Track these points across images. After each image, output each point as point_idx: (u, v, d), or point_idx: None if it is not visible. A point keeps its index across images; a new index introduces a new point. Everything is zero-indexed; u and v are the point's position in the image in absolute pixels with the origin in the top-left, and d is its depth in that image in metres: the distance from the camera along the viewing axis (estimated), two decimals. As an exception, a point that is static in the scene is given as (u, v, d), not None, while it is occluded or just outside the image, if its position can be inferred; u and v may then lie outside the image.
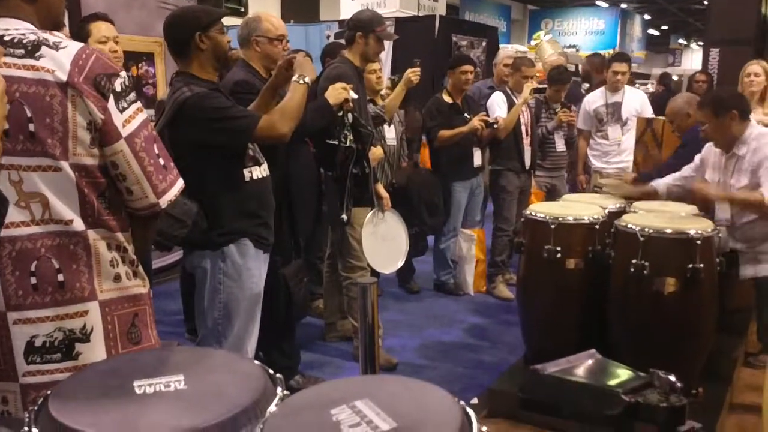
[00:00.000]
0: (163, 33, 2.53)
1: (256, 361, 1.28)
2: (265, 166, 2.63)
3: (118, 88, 1.55)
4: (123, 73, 1.58)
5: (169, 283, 4.75)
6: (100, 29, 3.27)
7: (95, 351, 1.58)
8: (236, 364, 1.26)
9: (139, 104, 1.61)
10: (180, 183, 1.69)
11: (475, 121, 4.66)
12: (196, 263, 2.56)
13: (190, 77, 2.45)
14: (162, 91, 4.96)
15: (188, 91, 2.37)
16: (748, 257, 3.20)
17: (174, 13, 2.61)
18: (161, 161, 1.63)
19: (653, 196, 3.56)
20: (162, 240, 2.39)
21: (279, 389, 1.17)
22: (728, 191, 3.22)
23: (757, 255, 3.18)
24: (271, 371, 1.23)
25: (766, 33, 6.73)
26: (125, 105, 1.56)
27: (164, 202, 1.63)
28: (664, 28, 30.18)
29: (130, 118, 1.57)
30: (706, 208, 3.35)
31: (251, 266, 2.55)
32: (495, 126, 4.75)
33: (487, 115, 4.86)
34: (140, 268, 1.70)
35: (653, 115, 5.12)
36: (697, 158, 3.48)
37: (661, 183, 3.60)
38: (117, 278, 1.62)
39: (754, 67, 4.68)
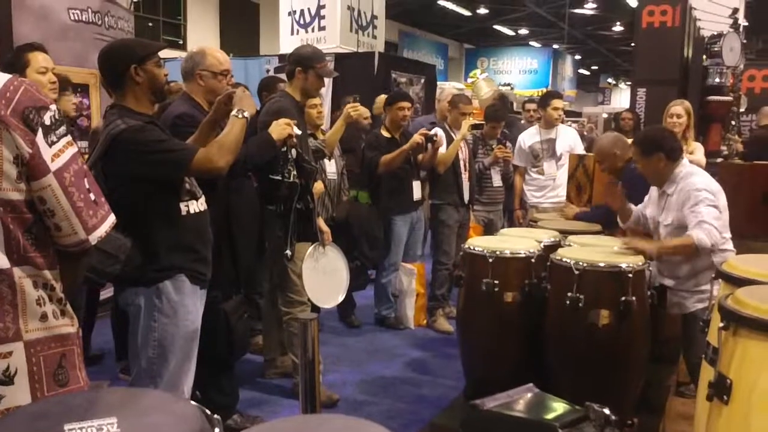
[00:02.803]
0: (98, 65, 2.48)
1: (192, 402, 1.24)
2: (202, 200, 2.59)
3: (47, 122, 1.50)
4: (53, 106, 1.54)
5: (102, 319, 4.58)
6: (38, 59, 3.21)
7: (19, 394, 1.50)
8: (171, 405, 1.22)
9: (69, 138, 1.56)
10: (111, 218, 1.64)
11: (416, 137, 4.72)
12: (129, 300, 2.48)
13: (125, 110, 2.40)
14: (96, 123, 4.85)
15: (122, 124, 2.32)
16: (674, 294, 3.29)
17: (109, 45, 2.57)
18: (92, 196, 1.58)
19: (626, 216, 3.60)
20: (94, 276, 2.30)
21: (216, 430, 1.14)
22: (662, 241, 3.27)
23: (683, 292, 3.27)
24: (207, 412, 1.19)
25: (688, 73, 7.06)
26: (54, 139, 1.51)
27: (94, 238, 1.58)
28: (594, 67, 31.50)
29: (60, 152, 1.52)
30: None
31: (187, 303, 2.49)
32: (434, 138, 4.79)
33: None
34: (68, 307, 1.63)
35: (584, 152, 5.30)
36: (647, 197, 3.58)
37: (634, 208, 3.61)
38: (44, 317, 1.55)
39: (677, 108, 4.90)
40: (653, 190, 3.49)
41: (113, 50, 2.49)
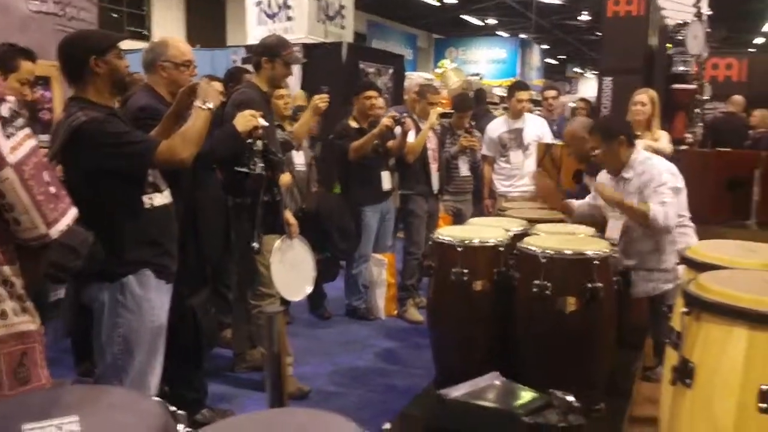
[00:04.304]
0: (57, 57, 2.43)
1: (156, 398, 1.23)
2: (167, 192, 2.55)
3: (5, 113, 1.47)
4: (11, 98, 1.50)
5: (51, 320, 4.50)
6: (27, 69, 3.19)
7: (-22, 393, 1.47)
8: (135, 403, 1.20)
9: (28, 130, 1.53)
10: (73, 212, 1.61)
11: (385, 120, 4.71)
12: (93, 296, 2.44)
13: (85, 102, 2.36)
14: (58, 116, 4.74)
15: (83, 116, 2.28)
16: (640, 275, 3.37)
17: (69, 36, 2.52)
18: (52, 189, 1.55)
19: (569, 211, 3.81)
20: (55, 272, 2.26)
21: (181, 426, 1.13)
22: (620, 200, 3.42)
23: (648, 273, 3.35)
24: (172, 408, 1.18)
25: (653, 62, 7.16)
26: (13, 131, 1.48)
27: (55, 232, 1.55)
28: (562, 57, 31.74)
29: (18, 145, 1.49)
30: (603, 229, 3.51)
31: (152, 297, 2.45)
32: (403, 122, 4.77)
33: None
34: (29, 303, 1.60)
35: (552, 141, 5.34)
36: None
37: (575, 202, 3.84)
38: (3, 315, 1.52)
39: (641, 96, 4.96)
40: (603, 178, 3.57)
41: (73, 41, 2.44)
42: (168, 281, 2.56)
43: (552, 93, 6.78)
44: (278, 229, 3.58)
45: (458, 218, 5.50)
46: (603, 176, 3.59)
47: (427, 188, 5.12)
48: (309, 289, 3.86)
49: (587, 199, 3.78)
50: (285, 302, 3.74)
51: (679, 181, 3.30)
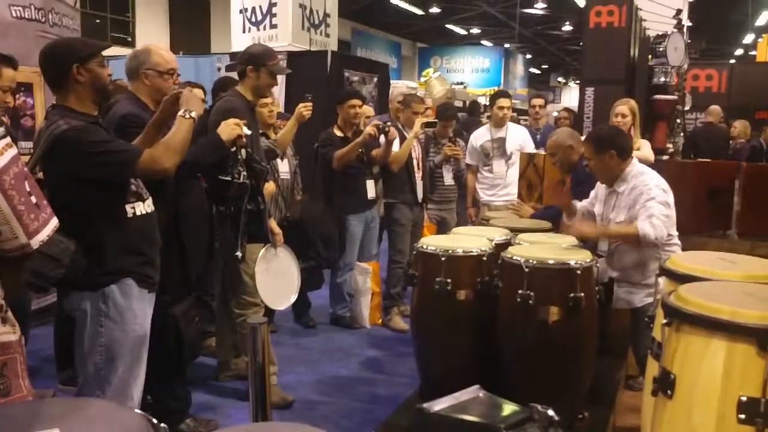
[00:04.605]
0: (39, 64, 2.41)
1: (137, 410, 1.22)
2: (149, 201, 2.54)
3: (-16, 123, 1.45)
4: (-9, 107, 1.49)
5: (48, 325, 4.45)
6: (7, 77, 3.17)
7: (-43, 406, 1.45)
8: (116, 415, 1.20)
9: (8, 140, 1.51)
10: (54, 222, 1.60)
11: (369, 128, 4.71)
12: (75, 305, 2.42)
13: (67, 110, 2.34)
14: (41, 123, 4.70)
15: (64, 125, 2.26)
16: (623, 288, 3.38)
17: (51, 43, 2.51)
18: (33, 199, 1.54)
19: (573, 212, 3.70)
20: (37, 281, 2.24)
21: (163, 438, 1.12)
22: (606, 226, 3.40)
23: (631, 286, 3.36)
24: (154, 421, 1.17)
25: (635, 72, 7.23)
26: (-7, 140, 1.47)
27: (36, 242, 1.54)
28: (545, 67, 32.02)
29: (-2, 154, 1.47)
30: (585, 239, 3.53)
31: (135, 307, 2.44)
32: (387, 130, 4.78)
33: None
34: (9, 314, 1.59)
35: (534, 150, 5.38)
36: (593, 192, 3.66)
37: (579, 203, 3.73)
38: (-17, 326, 1.50)
39: (622, 108, 5.00)
40: (600, 188, 3.57)
41: (55, 49, 2.43)
42: (150, 290, 2.54)
43: (539, 101, 6.82)
44: (262, 238, 3.57)
45: (442, 227, 5.51)
46: (599, 188, 3.59)
47: (411, 197, 5.13)
48: (293, 298, 3.85)
49: (585, 203, 3.74)
50: (269, 311, 3.72)
51: (669, 198, 3.26)
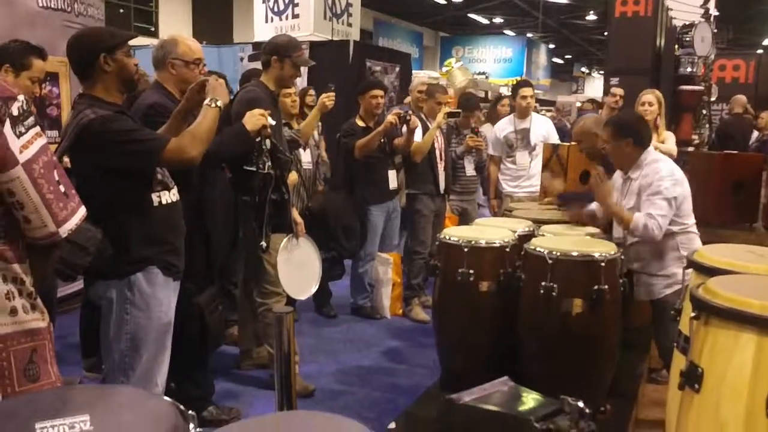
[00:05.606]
0: (66, 53, 2.43)
1: (166, 398, 1.23)
2: (174, 190, 2.56)
3: (15, 112, 1.47)
4: (21, 97, 1.50)
5: (71, 313, 4.52)
6: (38, 68, 3.18)
7: (-12, 390, 1.48)
8: (145, 402, 1.21)
9: (38, 129, 1.53)
10: (82, 211, 1.62)
11: (390, 117, 4.70)
12: (101, 293, 2.45)
13: (94, 99, 2.36)
14: (66, 112, 4.75)
15: (92, 114, 2.28)
16: (642, 279, 3.34)
17: (78, 33, 2.52)
18: (62, 188, 1.55)
19: (596, 218, 3.63)
20: (64, 269, 2.27)
21: (191, 426, 1.13)
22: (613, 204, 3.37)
23: (649, 277, 3.32)
24: (182, 407, 1.18)
25: (661, 63, 7.13)
26: (23, 130, 1.49)
27: (64, 231, 1.56)
28: (568, 56, 31.67)
29: (28, 144, 1.49)
30: (609, 230, 3.50)
31: (160, 295, 2.46)
32: (408, 119, 4.76)
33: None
34: (38, 301, 1.61)
35: (558, 141, 5.33)
36: (611, 180, 3.63)
37: (594, 207, 3.66)
38: (13, 312, 1.53)
39: (648, 96, 4.95)
40: (617, 176, 3.53)
41: (82, 38, 2.44)
42: (175, 279, 2.56)
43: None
44: (285, 228, 3.58)
45: (464, 218, 5.50)
46: (616, 176, 3.55)
47: (433, 188, 5.12)
48: (314, 288, 3.86)
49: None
50: (291, 300, 3.74)
51: (679, 189, 3.20)
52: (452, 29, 25.48)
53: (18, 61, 3.09)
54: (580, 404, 1.95)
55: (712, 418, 1.67)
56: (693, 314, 1.78)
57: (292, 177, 4.10)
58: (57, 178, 1.55)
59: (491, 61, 23.26)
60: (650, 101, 4.88)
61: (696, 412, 1.73)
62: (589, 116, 4.66)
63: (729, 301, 1.70)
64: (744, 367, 1.62)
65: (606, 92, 7.26)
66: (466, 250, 3.08)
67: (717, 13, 7.84)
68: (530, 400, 2.15)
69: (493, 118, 6.60)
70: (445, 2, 20.86)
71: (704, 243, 3.16)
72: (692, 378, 1.73)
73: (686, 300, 2.01)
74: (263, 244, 3.34)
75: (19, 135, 1.48)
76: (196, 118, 2.52)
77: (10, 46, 3.17)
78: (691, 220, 3.29)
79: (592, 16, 21.96)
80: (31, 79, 3.15)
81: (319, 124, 4.92)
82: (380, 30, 20.78)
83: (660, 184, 3.16)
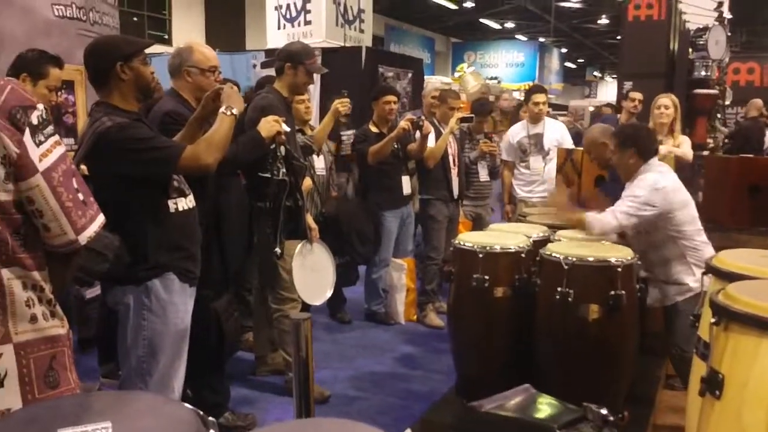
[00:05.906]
0: (83, 62, 2.45)
1: (186, 404, 1.23)
2: (191, 197, 2.57)
3: (34, 121, 1.48)
4: (40, 106, 1.52)
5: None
6: (55, 76, 3.21)
7: (9, 397, 1.49)
8: (165, 408, 1.21)
9: (56, 137, 1.54)
10: (100, 218, 1.63)
11: (403, 123, 4.71)
12: (118, 299, 2.46)
13: (110, 107, 2.38)
14: (82, 120, 4.79)
15: (108, 122, 2.30)
16: (653, 286, 3.31)
17: (95, 41, 2.54)
18: (80, 196, 1.56)
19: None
20: (82, 275, 2.29)
21: (212, 432, 1.13)
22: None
23: (660, 283, 3.29)
24: (202, 414, 1.18)
25: (674, 66, 7.10)
26: (42, 138, 1.50)
27: (84, 238, 1.56)
28: (581, 61, 31.60)
29: (47, 152, 1.50)
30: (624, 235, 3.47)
31: (177, 301, 2.47)
32: (421, 124, 4.75)
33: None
34: (58, 308, 1.62)
35: (573, 146, 5.31)
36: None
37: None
38: (33, 319, 1.54)
39: (664, 100, 4.92)
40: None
41: (99, 47, 2.46)
42: (192, 285, 2.57)
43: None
44: (300, 234, 3.59)
45: (478, 223, 5.49)
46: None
47: (447, 193, 5.11)
48: (328, 294, 3.87)
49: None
50: (305, 306, 3.75)
51: (660, 200, 3.11)
52: (464, 34, 25.47)
53: (35, 70, 3.12)
54: (604, 411, 1.93)
55: (734, 425, 1.65)
56: (713, 320, 1.76)
57: (307, 183, 4.11)
58: (76, 186, 1.56)
59: (503, 65, 23.23)
60: (666, 105, 4.86)
61: (717, 418, 1.71)
62: (596, 126, 4.63)
63: (750, 306, 1.68)
64: (765, 372, 1.61)
65: (619, 96, 7.23)
66: (481, 255, 3.07)
67: (730, 16, 7.80)
68: (552, 407, 2.13)
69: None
70: (457, 7, 20.87)
71: (720, 247, 3.11)
72: (713, 384, 1.71)
73: (705, 306, 1.99)
74: (278, 250, 3.35)
75: (39, 144, 1.49)
76: (211, 126, 2.54)
77: (28, 55, 3.20)
78: (692, 228, 3.22)
79: (604, 20, 21.90)
80: (48, 88, 3.17)
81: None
82: (392, 36, 20.82)
83: (638, 190, 3.14)
